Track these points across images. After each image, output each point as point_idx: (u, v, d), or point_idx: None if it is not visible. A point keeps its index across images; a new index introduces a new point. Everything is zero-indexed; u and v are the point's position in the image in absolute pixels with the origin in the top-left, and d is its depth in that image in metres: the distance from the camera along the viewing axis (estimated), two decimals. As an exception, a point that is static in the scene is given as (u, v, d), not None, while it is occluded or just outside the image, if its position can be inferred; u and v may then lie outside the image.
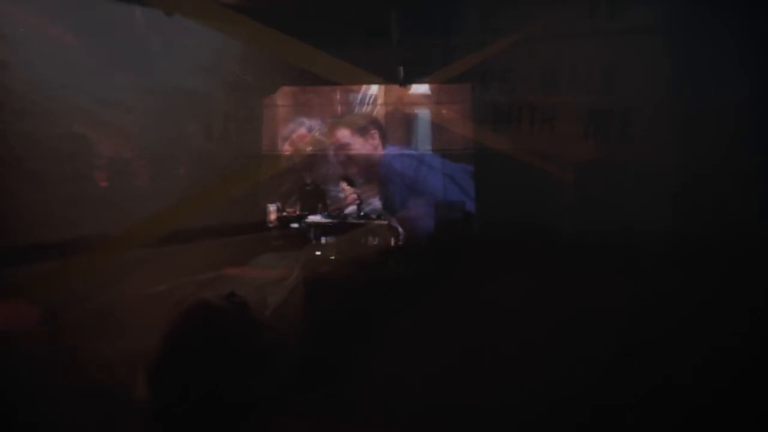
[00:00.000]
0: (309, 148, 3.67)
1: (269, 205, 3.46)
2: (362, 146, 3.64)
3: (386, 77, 3.44)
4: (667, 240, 3.11)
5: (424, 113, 3.53)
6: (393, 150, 3.64)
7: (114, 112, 2.49)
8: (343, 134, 3.63)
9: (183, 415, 1.25)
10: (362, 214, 3.47)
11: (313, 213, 3.51)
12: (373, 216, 3.39)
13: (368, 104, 3.64)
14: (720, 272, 2.70)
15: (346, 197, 3.58)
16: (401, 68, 3.37)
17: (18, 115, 2.08)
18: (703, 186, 2.94)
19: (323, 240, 3.15)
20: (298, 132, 3.68)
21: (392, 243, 2.98)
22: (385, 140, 3.67)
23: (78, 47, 2.31)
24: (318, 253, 2.62)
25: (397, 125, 3.60)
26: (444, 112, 3.43)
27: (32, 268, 2.03)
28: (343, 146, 3.63)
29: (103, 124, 2.48)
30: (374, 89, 3.60)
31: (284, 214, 3.49)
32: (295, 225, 3.43)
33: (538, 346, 2.33)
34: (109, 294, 2.05)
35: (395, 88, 3.54)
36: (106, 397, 1.62)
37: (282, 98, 3.65)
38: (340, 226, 3.25)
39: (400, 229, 3.17)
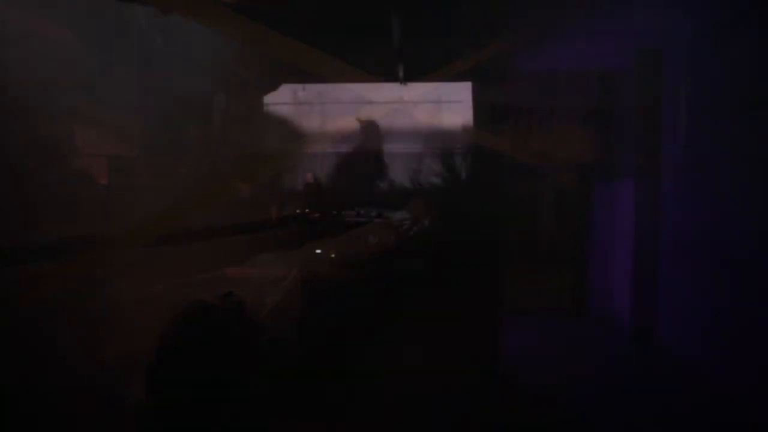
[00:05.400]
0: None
1: (270, 204, 3.45)
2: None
3: (386, 77, 3.44)
4: (667, 239, 3.11)
5: (423, 113, 3.53)
6: (393, 149, 3.65)
7: (114, 112, 2.50)
8: None
9: (181, 414, 1.26)
10: (362, 213, 3.46)
11: (314, 212, 3.51)
12: (373, 215, 3.39)
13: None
14: (718, 272, 2.70)
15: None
16: (401, 68, 3.38)
17: (17, 115, 2.08)
18: (705, 185, 2.94)
19: (323, 239, 3.14)
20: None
21: (392, 242, 2.98)
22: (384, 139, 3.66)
23: (78, 47, 2.32)
24: (318, 252, 2.62)
25: (396, 125, 3.60)
26: (443, 112, 3.43)
27: (32, 268, 2.03)
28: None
29: (103, 124, 2.48)
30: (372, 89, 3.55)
31: (285, 213, 3.48)
32: (296, 224, 3.43)
33: (537, 346, 2.34)
34: (108, 294, 2.05)
35: (395, 88, 3.54)
36: (105, 396, 1.62)
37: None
38: (340, 225, 3.25)
39: (400, 229, 3.17)
